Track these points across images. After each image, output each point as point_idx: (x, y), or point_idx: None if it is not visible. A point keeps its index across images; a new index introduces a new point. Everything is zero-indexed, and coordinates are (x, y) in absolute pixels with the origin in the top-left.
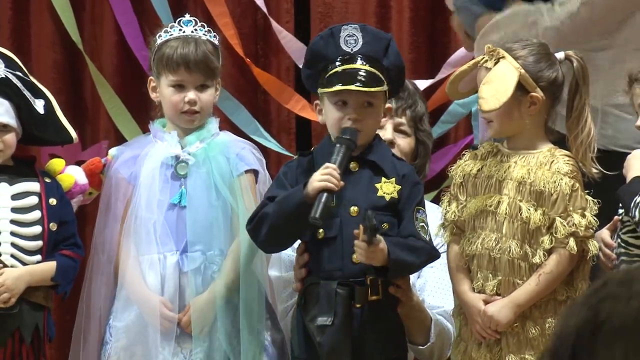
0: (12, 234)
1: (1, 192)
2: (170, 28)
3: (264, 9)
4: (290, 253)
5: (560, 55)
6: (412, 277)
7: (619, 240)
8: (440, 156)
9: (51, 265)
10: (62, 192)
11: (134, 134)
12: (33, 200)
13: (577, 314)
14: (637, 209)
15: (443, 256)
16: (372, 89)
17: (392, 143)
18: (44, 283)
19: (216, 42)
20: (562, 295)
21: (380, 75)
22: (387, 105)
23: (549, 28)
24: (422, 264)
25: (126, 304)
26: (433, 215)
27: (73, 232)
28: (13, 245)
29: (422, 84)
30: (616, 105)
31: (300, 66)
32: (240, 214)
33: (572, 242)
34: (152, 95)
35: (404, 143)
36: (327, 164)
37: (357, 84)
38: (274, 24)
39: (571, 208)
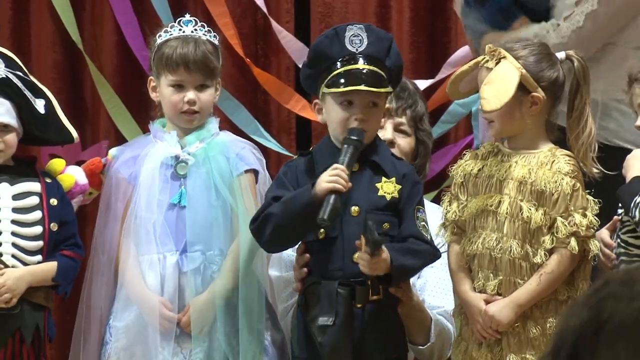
0: (13, 234)
1: (2, 192)
2: (170, 28)
3: (264, 9)
4: (290, 253)
5: (561, 55)
6: (412, 277)
7: (619, 240)
8: (440, 156)
9: (52, 266)
10: (63, 192)
11: (134, 134)
12: (34, 200)
13: (579, 313)
14: (637, 209)
15: (444, 256)
16: (381, 90)
17: (392, 143)
18: (44, 283)
19: (216, 42)
20: (563, 295)
21: (384, 76)
22: (387, 105)
23: (556, 45)
24: (424, 266)
25: (126, 304)
26: (433, 215)
27: (73, 233)
28: (14, 245)
29: (422, 84)
30: (619, 100)
31: (301, 66)
32: (240, 214)
33: (573, 242)
34: (152, 95)
35: (404, 143)
36: (335, 165)
37: (365, 84)
38: (274, 24)
39: (572, 208)
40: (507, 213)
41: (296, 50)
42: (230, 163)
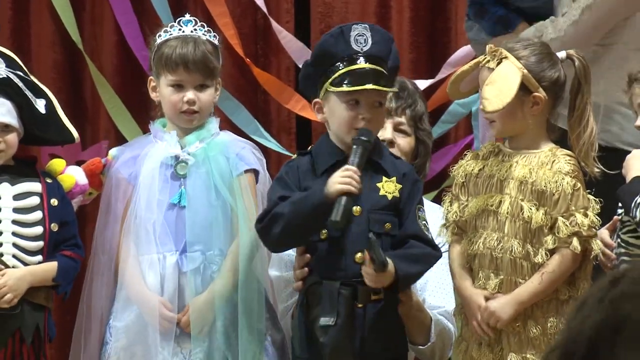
0: (14, 234)
1: (3, 192)
2: (170, 28)
3: (264, 9)
4: (291, 253)
5: (562, 54)
6: None
7: (619, 240)
8: (440, 156)
9: (52, 266)
10: (63, 192)
11: (134, 134)
12: (35, 200)
13: (592, 315)
14: (638, 210)
15: (444, 256)
16: (389, 89)
17: (392, 142)
18: (45, 283)
19: (216, 42)
20: (564, 295)
21: (388, 75)
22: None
23: (554, 39)
24: (427, 270)
25: (126, 304)
26: (434, 215)
27: (74, 233)
28: (15, 245)
29: (422, 84)
30: (621, 103)
31: (301, 66)
32: (240, 214)
33: (575, 241)
34: (152, 95)
35: (404, 142)
36: (346, 166)
37: (373, 83)
38: (274, 24)
39: (573, 208)
40: (508, 213)
41: (296, 50)
42: (230, 163)
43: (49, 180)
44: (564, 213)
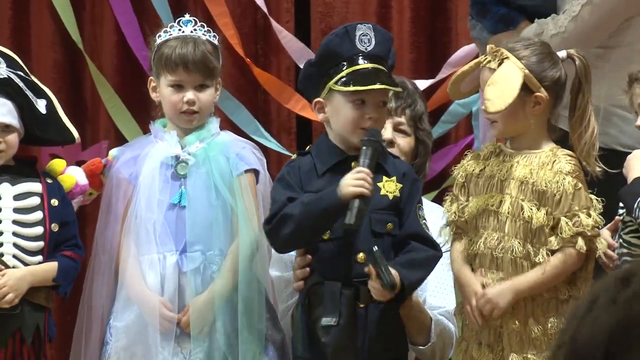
0: (14, 234)
1: (3, 192)
2: (170, 28)
3: (264, 9)
4: (291, 253)
5: (562, 54)
6: None
7: (621, 240)
8: (440, 156)
9: (53, 266)
10: (64, 192)
11: (134, 134)
12: (35, 200)
13: (604, 315)
14: None
15: (445, 256)
16: (395, 88)
17: (392, 142)
18: (45, 283)
19: (216, 42)
20: (564, 295)
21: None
22: None
23: (554, 35)
24: (430, 272)
25: (126, 304)
26: (434, 215)
27: (74, 233)
28: (15, 245)
29: (422, 84)
30: (621, 106)
31: (302, 66)
32: (240, 214)
33: (580, 241)
34: (152, 95)
35: (403, 142)
36: (359, 168)
37: (380, 82)
38: (274, 23)
39: (576, 208)
40: (508, 212)
41: (296, 50)
42: (230, 163)
43: (49, 181)
44: (567, 213)
